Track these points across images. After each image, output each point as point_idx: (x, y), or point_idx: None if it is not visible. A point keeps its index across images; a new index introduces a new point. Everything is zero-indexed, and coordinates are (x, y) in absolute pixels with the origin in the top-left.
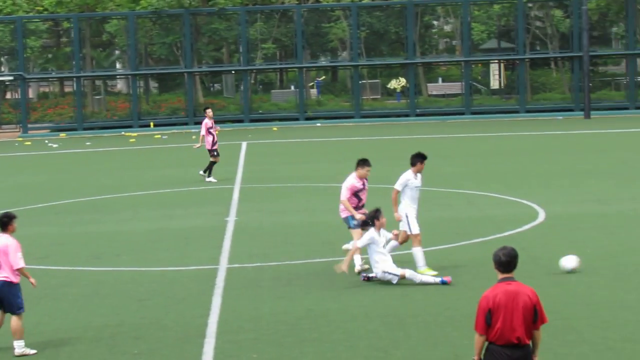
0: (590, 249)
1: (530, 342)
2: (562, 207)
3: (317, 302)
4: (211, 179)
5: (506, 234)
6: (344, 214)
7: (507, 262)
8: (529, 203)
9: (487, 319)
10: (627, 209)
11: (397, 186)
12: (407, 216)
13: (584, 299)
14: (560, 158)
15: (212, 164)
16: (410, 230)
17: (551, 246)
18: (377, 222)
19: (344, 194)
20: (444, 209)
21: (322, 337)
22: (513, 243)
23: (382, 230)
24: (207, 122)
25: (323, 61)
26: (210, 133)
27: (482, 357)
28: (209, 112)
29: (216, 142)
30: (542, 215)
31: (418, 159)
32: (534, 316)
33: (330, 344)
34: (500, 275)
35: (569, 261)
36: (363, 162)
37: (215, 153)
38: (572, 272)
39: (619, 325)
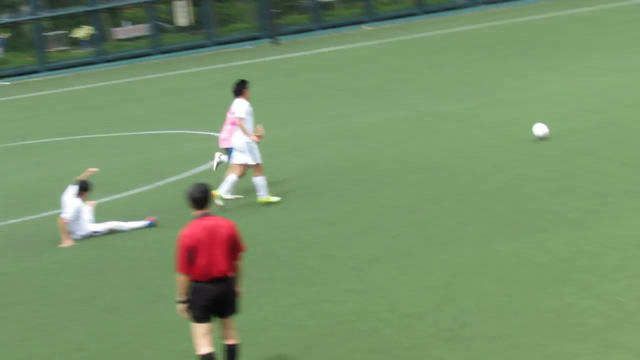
0: (284, 173)
1: (233, 275)
2: None
3: (12, 264)
4: None
5: (200, 168)
6: (226, 144)
7: (202, 198)
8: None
9: (190, 257)
10: (317, 128)
11: (243, 114)
12: (250, 145)
13: (280, 222)
14: (252, 86)
15: None
16: (256, 159)
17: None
18: (84, 193)
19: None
20: (136, 152)
21: (21, 299)
22: (208, 177)
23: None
24: None
25: (3, 18)
26: None
27: (187, 297)
28: None
29: None
30: None
31: (246, 85)
32: (234, 247)
33: (29, 304)
34: (197, 212)
35: (540, 129)
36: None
37: None
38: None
39: (314, 243)
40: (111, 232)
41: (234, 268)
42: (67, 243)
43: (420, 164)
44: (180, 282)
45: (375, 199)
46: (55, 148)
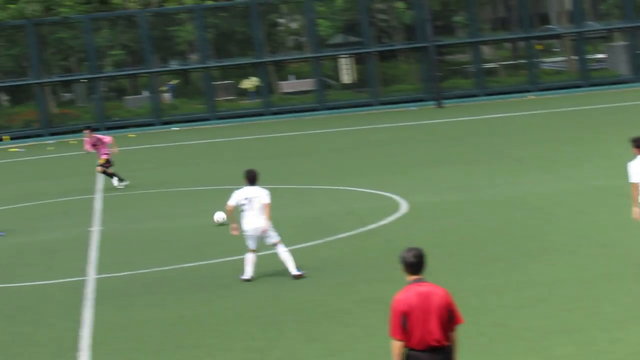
0: (454, 237)
1: (448, 344)
2: (423, 196)
3: (189, 307)
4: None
5: (370, 227)
6: None
7: (416, 262)
8: (391, 195)
9: (403, 322)
10: (485, 195)
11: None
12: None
13: (452, 286)
14: (417, 148)
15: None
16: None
17: (416, 237)
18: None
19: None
20: (306, 206)
21: (198, 342)
22: (378, 236)
23: None
24: (88, 139)
25: (173, 65)
26: (96, 148)
27: None
28: (87, 132)
29: (104, 154)
30: (404, 206)
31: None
32: (449, 317)
33: (206, 348)
34: (410, 277)
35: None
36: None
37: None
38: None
39: (488, 311)
40: None
41: (449, 338)
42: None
43: (593, 239)
44: (394, 347)
45: (547, 271)
46: (224, 195)
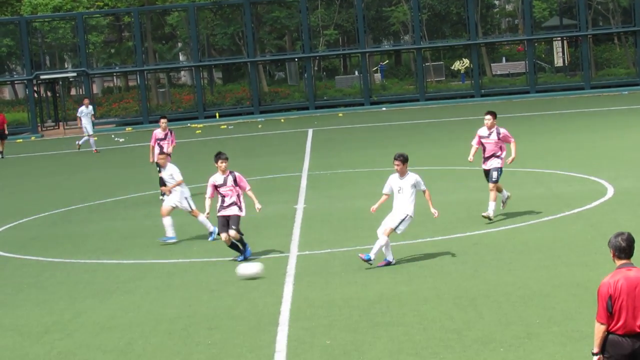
0: None
1: None
2: (631, 182)
3: (388, 286)
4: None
5: (575, 211)
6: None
7: (627, 247)
8: (598, 179)
9: (609, 306)
10: None
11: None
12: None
13: None
14: (627, 133)
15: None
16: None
17: (621, 221)
18: None
19: None
20: (512, 188)
21: (395, 321)
22: (583, 220)
23: None
24: (157, 132)
25: (386, 45)
26: (159, 145)
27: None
28: (162, 121)
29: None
30: (610, 191)
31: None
32: None
33: (404, 327)
34: (619, 262)
35: (249, 268)
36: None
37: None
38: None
39: None
40: None
41: None
42: None
43: None
44: (597, 331)
45: None
46: (432, 177)
